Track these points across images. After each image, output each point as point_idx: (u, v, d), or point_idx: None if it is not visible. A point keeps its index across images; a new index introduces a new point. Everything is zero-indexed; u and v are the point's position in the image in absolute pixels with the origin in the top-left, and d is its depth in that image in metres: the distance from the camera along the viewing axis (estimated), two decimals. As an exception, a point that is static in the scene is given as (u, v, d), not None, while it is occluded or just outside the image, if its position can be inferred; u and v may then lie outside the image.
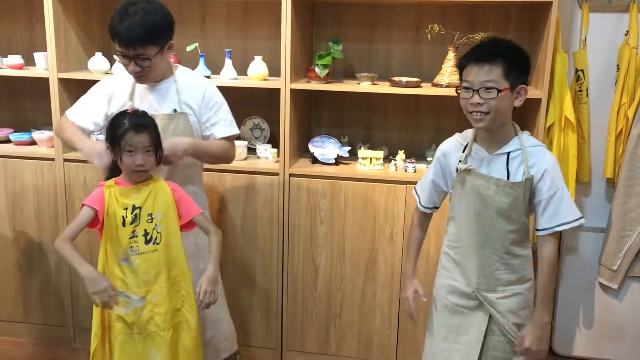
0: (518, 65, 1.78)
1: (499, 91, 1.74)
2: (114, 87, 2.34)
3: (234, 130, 2.36)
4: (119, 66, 2.68)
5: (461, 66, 1.83)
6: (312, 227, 2.82)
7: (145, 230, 2.01)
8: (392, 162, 2.84)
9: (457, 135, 1.98)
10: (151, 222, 2.02)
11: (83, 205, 1.98)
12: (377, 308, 2.84)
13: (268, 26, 3.08)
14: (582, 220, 1.83)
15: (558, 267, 3.04)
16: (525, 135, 1.86)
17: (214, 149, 2.30)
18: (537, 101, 2.59)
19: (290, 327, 2.95)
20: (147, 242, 2.02)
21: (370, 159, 2.81)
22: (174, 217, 2.06)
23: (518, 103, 1.81)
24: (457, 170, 1.91)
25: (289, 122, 2.75)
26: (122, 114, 2.01)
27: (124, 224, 1.98)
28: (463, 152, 1.91)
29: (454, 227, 1.98)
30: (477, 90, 1.75)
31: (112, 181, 2.02)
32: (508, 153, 1.84)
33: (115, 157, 2.00)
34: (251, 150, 3.06)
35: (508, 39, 1.86)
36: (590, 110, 2.88)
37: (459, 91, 1.83)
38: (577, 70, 2.82)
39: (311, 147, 2.90)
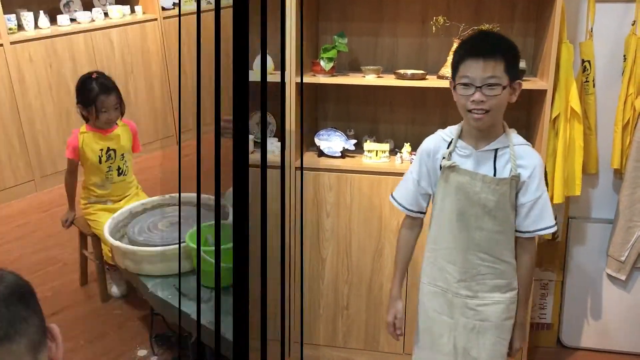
0: (514, 60, 1.72)
1: (503, 88, 1.68)
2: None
3: None
4: None
5: (458, 60, 1.74)
6: (319, 220, 2.83)
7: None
8: (398, 154, 2.84)
9: (440, 132, 1.89)
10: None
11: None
12: (384, 300, 2.85)
13: (274, 20, 3.08)
14: (555, 228, 1.83)
15: (565, 258, 3.04)
16: (513, 133, 1.81)
17: None
18: (543, 92, 2.58)
19: (297, 319, 2.96)
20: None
21: (376, 151, 2.82)
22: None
23: (513, 99, 1.75)
24: (440, 168, 1.83)
25: (294, 116, 2.76)
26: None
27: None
28: (447, 148, 1.84)
29: (435, 227, 1.89)
30: (480, 87, 1.67)
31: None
32: (496, 150, 1.77)
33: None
34: (258, 144, 3.07)
35: (496, 31, 1.81)
36: (597, 101, 2.87)
37: (454, 86, 1.75)
38: (583, 61, 2.80)
39: (317, 141, 2.91)
